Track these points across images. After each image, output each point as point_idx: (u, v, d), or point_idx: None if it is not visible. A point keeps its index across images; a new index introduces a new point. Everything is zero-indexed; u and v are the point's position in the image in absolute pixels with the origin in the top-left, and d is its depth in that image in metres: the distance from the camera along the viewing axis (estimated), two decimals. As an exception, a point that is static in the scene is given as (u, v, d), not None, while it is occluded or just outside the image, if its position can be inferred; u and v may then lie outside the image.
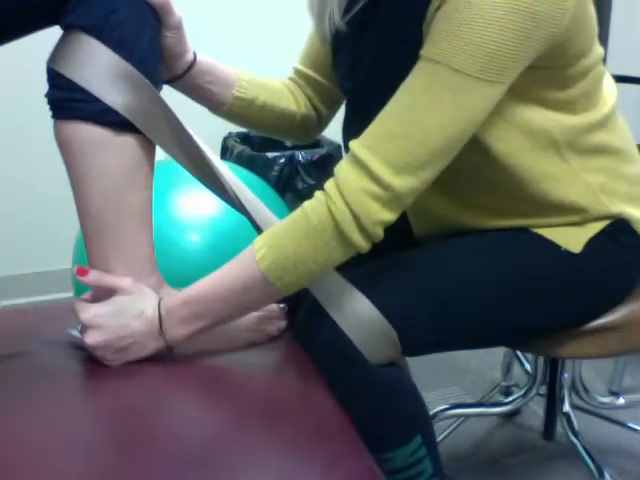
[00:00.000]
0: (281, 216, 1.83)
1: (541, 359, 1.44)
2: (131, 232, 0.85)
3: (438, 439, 1.48)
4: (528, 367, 1.61)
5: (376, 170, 0.79)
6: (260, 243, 0.83)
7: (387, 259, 0.94)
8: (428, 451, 0.93)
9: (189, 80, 1.00)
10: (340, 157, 2.18)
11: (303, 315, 0.93)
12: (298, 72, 1.13)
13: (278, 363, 0.93)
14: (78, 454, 0.67)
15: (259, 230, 0.94)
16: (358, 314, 0.87)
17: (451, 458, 1.52)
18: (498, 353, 1.94)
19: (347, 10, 0.93)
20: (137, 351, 0.84)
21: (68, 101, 0.81)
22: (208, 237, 1.54)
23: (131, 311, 0.83)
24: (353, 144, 0.82)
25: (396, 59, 0.82)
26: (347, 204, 0.79)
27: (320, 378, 0.88)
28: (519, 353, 1.67)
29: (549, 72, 0.86)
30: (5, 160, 2.28)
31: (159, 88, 0.88)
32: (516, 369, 1.70)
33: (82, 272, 0.85)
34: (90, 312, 0.83)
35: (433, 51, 0.78)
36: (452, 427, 1.57)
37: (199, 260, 1.50)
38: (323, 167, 2.13)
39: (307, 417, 0.77)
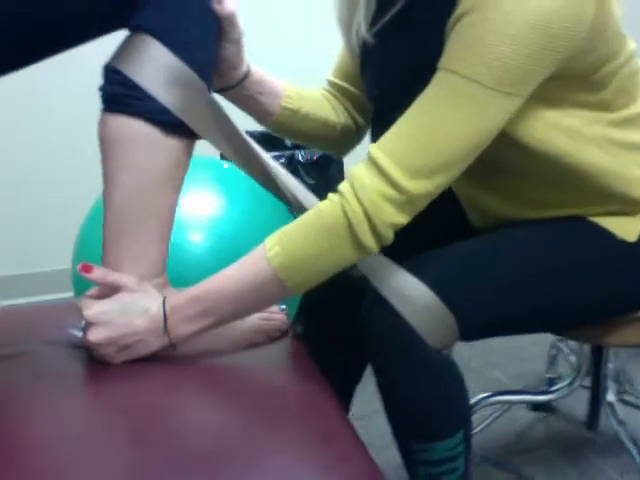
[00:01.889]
0: (281, 216, 1.84)
1: (586, 350, 1.46)
2: (151, 231, 0.86)
3: (479, 428, 1.52)
4: (573, 359, 1.62)
5: (392, 173, 0.80)
6: (272, 242, 0.83)
7: (444, 247, 0.95)
8: (465, 449, 0.94)
9: (241, 91, 1.02)
10: (340, 158, 2.18)
11: (365, 305, 0.93)
12: (332, 84, 1.15)
13: (279, 364, 0.93)
14: (82, 453, 0.67)
15: None
16: (417, 300, 0.87)
17: (493, 447, 1.53)
18: (498, 353, 1.95)
19: (373, 23, 0.96)
20: (141, 349, 0.84)
21: (123, 97, 0.82)
22: (210, 238, 1.54)
23: (135, 309, 0.83)
24: (371, 147, 0.83)
25: (421, 70, 0.84)
26: (361, 205, 0.81)
27: (321, 378, 0.88)
28: (563, 345, 1.69)
29: (573, 80, 0.87)
30: (6, 161, 2.28)
31: None
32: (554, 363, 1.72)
33: (87, 269, 0.85)
34: (95, 309, 0.83)
35: (450, 62, 0.81)
36: (494, 416, 1.58)
37: (200, 261, 1.50)
38: (323, 167, 2.13)
39: (308, 417, 0.77)
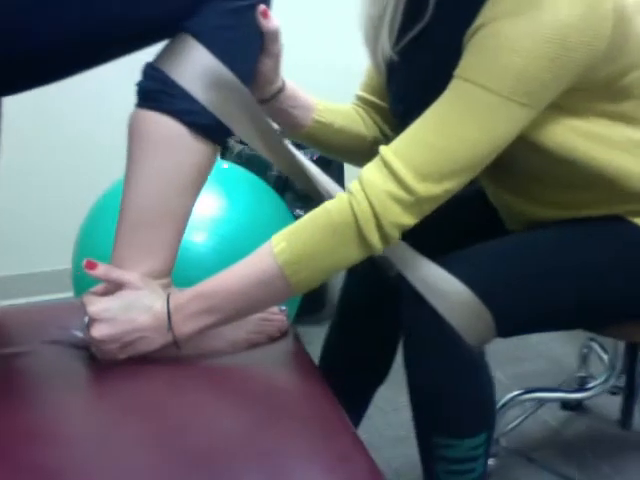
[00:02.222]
0: (281, 216, 1.83)
1: (621, 348, 1.47)
2: (166, 231, 0.86)
3: (511, 425, 1.55)
4: (605, 358, 1.64)
5: (402, 174, 0.82)
6: (279, 238, 0.84)
7: (479, 245, 0.96)
8: (484, 452, 0.96)
9: (274, 104, 1.03)
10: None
11: (403, 302, 0.95)
12: (361, 99, 1.16)
13: (279, 364, 0.93)
14: (84, 452, 0.67)
15: None
16: (454, 297, 0.88)
17: (526, 446, 1.54)
18: (498, 353, 1.95)
19: (397, 41, 0.99)
20: (144, 346, 0.84)
21: (159, 93, 0.83)
22: (211, 238, 1.54)
23: (139, 305, 0.83)
24: (383, 149, 0.85)
25: (442, 85, 0.85)
26: (370, 203, 0.82)
27: (321, 378, 0.88)
28: (595, 344, 1.69)
29: (594, 90, 0.88)
30: (5, 161, 2.27)
31: None
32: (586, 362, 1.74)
33: (91, 266, 0.85)
34: (98, 305, 0.83)
35: (465, 70, 0.82)
36: (526, 413, 1.60)
37: (201, 261, 1.50)
38: (323, 167, 2.12)
39: (308, 418, 0.77)
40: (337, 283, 1.23)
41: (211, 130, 0.85)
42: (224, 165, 1.83)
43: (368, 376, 1.22)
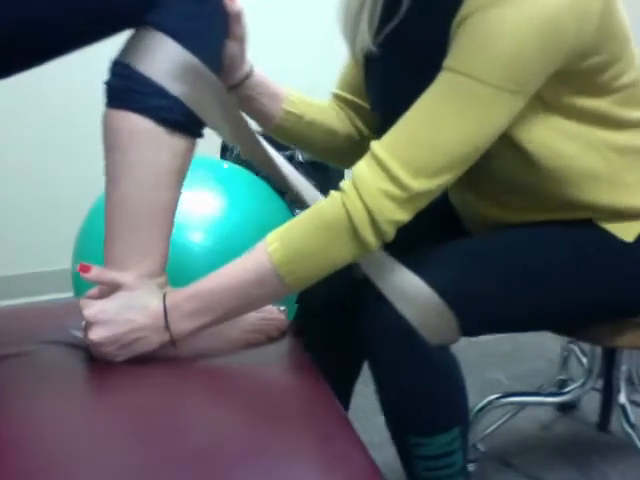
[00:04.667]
0: (281, 216, 1.83)
1: (598, 351, 1.46)
2: (152, 229, 0.86)
3: (491, 428, 1.53)
4: (584, 361, 1.63)
5: (394, 171, 0.81)
6: (273, 237, 0.84)
7: (444, 245, 0.96)
8: (461, 445, 0.95)
9: (243, 91, 1.03)
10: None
11: (366, 303, 0.94)
12: (337, 96, 1.15)
13: (279, 364, 0.93)
14: (81, 452, 0.67)
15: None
16: (417, 298, 0.88)
17: (503, 447, 1.55)
18: (498, 354, 1.95)
19: (376, 34, 0.97)
20: (142, 346, 0.84)
21: (130, 92, 0.82)
22: (209, 238, 1.54)
23: (135, 306, 0.83)
24: (374, 145, 0.84)
25: (426, 80, 0.84)
26: (362, 200, 0.81)
27: (321, 378, 0.88)
28: (575, 347, 1.69)
29: (577, 82, 0.88)
30: (6, 160, 2.27)
31: None
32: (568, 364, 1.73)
33: (84, 269, 0.85)
34: (94, 308, 0.83)
35: (454, 62, 0.81)
36: (504, 418, 1.59)
37: (200, 261, 1.50)
38: (323, 167, 2.13)
39: (308, 417, 0.77)
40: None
41: (184, 124, 0.84)
42: (224, 165, 1.83)
43: (341, 374, 1.20)
